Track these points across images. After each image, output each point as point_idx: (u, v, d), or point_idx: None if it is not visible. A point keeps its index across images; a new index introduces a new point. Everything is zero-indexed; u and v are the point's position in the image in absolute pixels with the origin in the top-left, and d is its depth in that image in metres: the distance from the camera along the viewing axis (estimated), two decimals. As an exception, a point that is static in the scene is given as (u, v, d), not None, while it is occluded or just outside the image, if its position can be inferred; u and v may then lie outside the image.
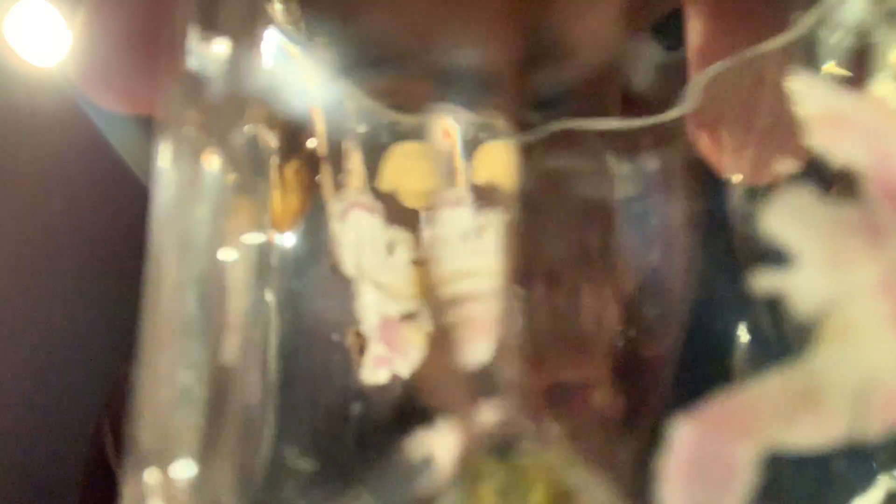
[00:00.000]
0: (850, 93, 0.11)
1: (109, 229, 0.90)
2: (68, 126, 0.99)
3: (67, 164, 1.02)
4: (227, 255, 0.14)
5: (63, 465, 1.00)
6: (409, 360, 0.17)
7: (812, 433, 0.11)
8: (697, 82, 0.14)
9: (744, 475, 0.11)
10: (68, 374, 1.02)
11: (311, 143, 0.16)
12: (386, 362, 0.17)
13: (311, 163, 0.16)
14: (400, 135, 0.17)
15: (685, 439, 0.11)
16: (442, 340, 0.16)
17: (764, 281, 0.11)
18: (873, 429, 0.11)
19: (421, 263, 0.17)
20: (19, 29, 0.97)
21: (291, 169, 0.16)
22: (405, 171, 0.16)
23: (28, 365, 1.03)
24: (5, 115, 0.97)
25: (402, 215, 0.17)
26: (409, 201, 0.17)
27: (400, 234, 0.17)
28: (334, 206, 0.17)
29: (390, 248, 0.17)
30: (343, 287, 0.17)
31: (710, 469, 0.11)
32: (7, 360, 1.01)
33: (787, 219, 0.11)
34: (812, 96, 0.11)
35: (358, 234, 0.17)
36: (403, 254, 0.17)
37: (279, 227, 0.16)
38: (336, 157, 0.16)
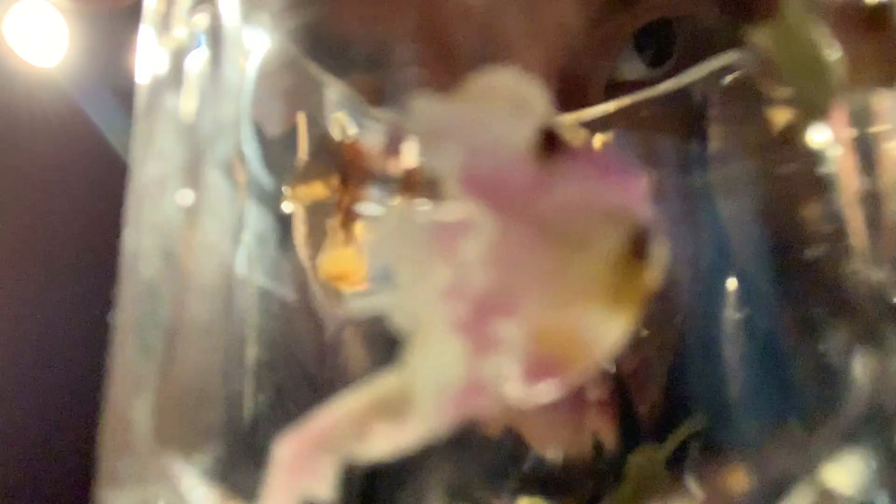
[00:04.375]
0: (447, 99, 0.11)
1: (110, 229, 0.90)
2: (68, 126, 0.99)
3: (67, 164, 1.02)
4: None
5: (68, 463, 1.00)
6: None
7: (390, 441, 0.11)
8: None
9: (327, 483, 0.11)
10: (72, 372, 1.02)
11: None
12: None
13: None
14: None
15: (282, 453, 0.12)
16: None
17: (359, 303, 0.11)
18: (443, 426, 0.11)
19: None
20: (19, 29, 0.97)
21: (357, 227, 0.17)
22: None
23: (31, 364, 1.03)
24: (5, 115, 0.97)
25: None
26: None
27: None
28: None
29: None
30: None
31: (301, 478, 0.11)
32: (11, 358, 1.01)
33: (387, 239, 0.11)
34: (416, 115, 0.11)
35: None
36: None
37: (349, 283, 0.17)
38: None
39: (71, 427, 1.02)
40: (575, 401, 0.17)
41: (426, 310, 0.11)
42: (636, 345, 0.16)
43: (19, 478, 0.98)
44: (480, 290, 0.11)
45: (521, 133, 0.11)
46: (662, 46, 0.21)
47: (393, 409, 0.11)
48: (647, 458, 0.15)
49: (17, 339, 1.01)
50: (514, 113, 0.11)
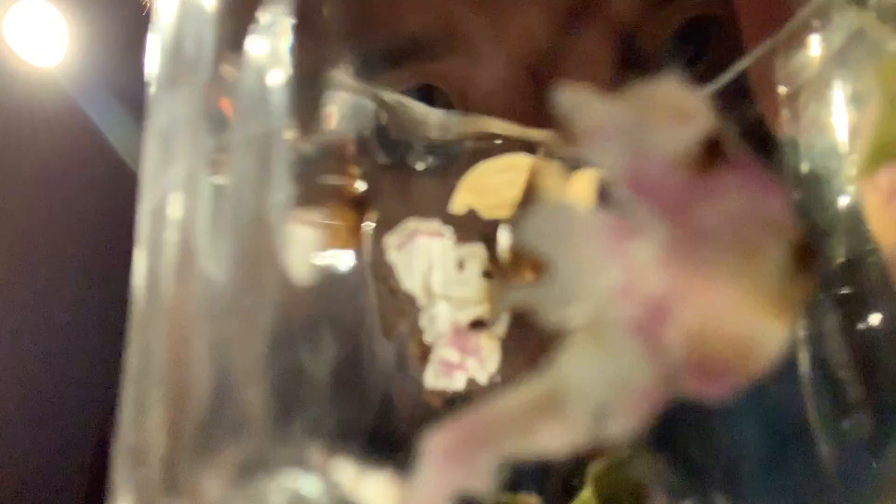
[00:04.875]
0: (611, 97, 0.11)
1: (109, 228, 0.90)
2: (68, 126, 0.99)
3: (67, 163, 1.02)
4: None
5: (66, 470, 1.00)
6: (485, 365, 0.18)
7: (554, 439, 0.11)
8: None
9: (486, 480, 0.11)
10: (72, 376, 1.02)
11: (357, 186, 0.17)
12: (459, 368, 0.18)
13: (357, 203, 0.17)
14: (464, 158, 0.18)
15: (436, 448, 0.11)
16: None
17: (513, 295, 0.11)
18: (619, 429, 0.11)
19: (492, 274, 0.17)
20: (19, 29, 0.97)
21: (339, 210, 0.17)
22: (485, 187, 0.17)
23: (31, 367, 1.03)
24: (5, 115, 0.97)
25: (474, 230, 0.18)
26: (491, 213, 0.18)
27: (471, 250, 0.18)
28: (390, 238, 0.18)
29: (461, 264, 0.18)
30: (402, 304, 0.18)
31: (456, 472, 0.11)
32: (10, 361, 1.01)
33: (540, 230, 0.12)
34: (577, 107, 0.11)
35: (426, 258, 0.18)
36: (475, 267, 0.18)
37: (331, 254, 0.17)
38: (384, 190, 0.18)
39: (74, 427, 1.02)
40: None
41: (596, 308, 0.11)
42: None
43: (21, 479, 0.98)
44: (653, 292, 0.11)
45: (682, 141, 0.11)
46: (698, 46, 0.22)
47: (556, 406, 0.11)
48: (607, 468, 0.15)
49: (14, 337, 1.01)
50: (676, 121, 0.11)
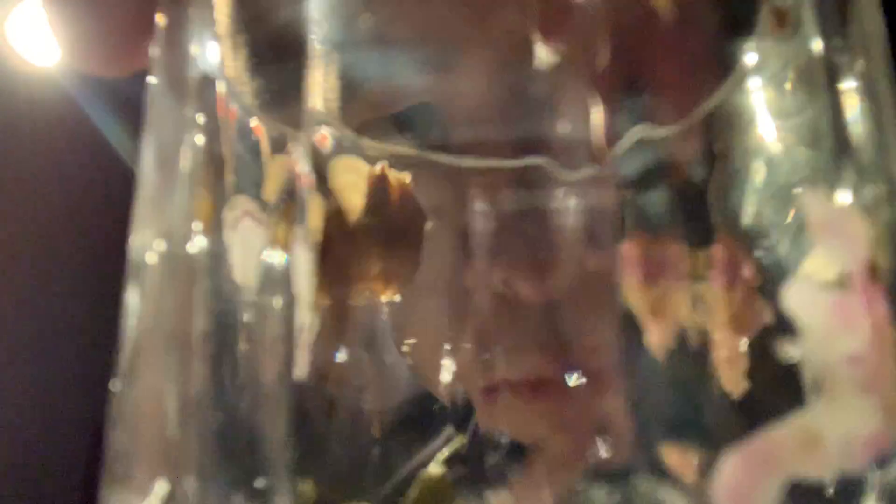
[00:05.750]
0: (839, 208, 0.15)
1: (108, 228, 0.90)
2: (68, 126, 0.99)
3: (67, 163, 1.03)
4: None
5: (63, 468, 1.00)
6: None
7: (818, 468, 0.14)
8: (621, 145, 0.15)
9: (772, 501, 0.13)
10: (68, 373, 1.02)
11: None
12: None
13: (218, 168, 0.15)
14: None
15: (730, 470, 0.14)
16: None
17: (783, 349, 0.14)
18: (857, 465, 0.14)
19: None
20: (20, 29, 0.97)
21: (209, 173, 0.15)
22: (345, 184, 0.16)
23: (28, 365, 1.03)
24: (5, 114, 0.98)
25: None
26: (351, 214, 0.16)
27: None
28: (227, 213, 0.16)
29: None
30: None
31: (748, 496, 0.14)
32: (6, 360, 1.01)
33: (796, 301, 0.14)
34: (817, 207, 0.15)
35: (253, 245, 0.16)
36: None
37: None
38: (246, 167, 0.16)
39: (63, 428, 1.02)
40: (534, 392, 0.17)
41: (837, 368, 0.14)
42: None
43: (19, 479, 0.98)
44: (874, 360, 0.14)
45: (861, 258, 0.14)
46: None
47: (817, 442, 0.14)
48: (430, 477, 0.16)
49: (14, 337, 1.01)
50: (845, 242, 0.14)
